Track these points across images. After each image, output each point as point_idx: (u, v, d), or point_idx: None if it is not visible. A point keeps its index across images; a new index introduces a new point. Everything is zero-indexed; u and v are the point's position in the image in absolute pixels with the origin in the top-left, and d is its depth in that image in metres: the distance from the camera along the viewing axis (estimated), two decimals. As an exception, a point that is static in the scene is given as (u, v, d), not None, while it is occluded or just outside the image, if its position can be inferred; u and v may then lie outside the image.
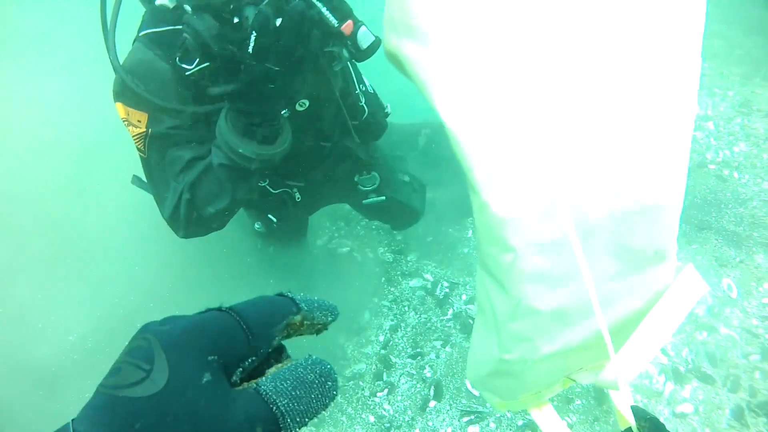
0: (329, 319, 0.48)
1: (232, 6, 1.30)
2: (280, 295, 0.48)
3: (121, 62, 1.44)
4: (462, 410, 2.16)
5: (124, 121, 1.50)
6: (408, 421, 2.17)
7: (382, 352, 2.43)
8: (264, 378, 0.41)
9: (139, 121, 1.47)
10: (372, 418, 2.22)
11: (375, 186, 2.13)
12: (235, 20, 1.32)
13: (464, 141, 0.74)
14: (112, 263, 2.74)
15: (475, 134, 0.73)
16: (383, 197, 2.16)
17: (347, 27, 1.47)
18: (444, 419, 2.15)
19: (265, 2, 1.28)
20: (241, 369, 0.41)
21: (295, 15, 1.21)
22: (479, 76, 0.71)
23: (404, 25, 0.77)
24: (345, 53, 1.60)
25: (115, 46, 1.41)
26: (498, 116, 0.72)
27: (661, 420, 0.81)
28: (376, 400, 2.27)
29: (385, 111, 2.01)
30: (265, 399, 0.39)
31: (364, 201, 2.17)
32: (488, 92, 0.71)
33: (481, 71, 0.71)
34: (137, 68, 1.44)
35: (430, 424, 2.15)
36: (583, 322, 0.87)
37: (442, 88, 0.74)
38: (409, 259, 2.79)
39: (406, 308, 2.57)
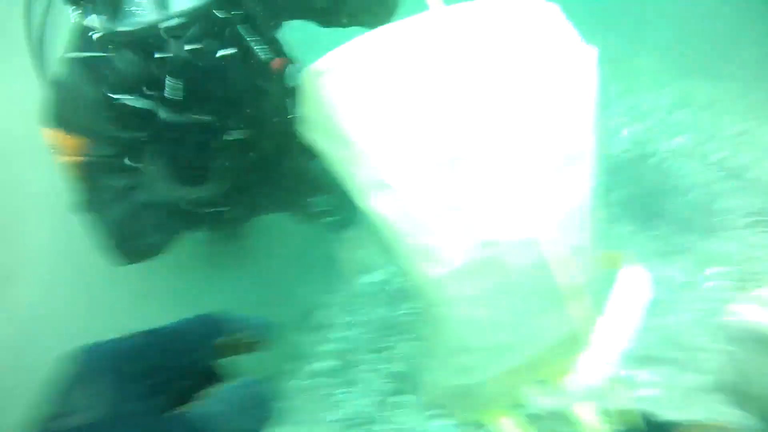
0: (260, 337, 0.47)
1: (152, 41, 1.23)
2: (206, 315, 0.46)
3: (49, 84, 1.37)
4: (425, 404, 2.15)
5: (51, 148, 1.42)
6: (370, 416, 2.15)
7: (341, 348, 2.40)
8: (195, 402, 0.40)
9: (68, 147, 1.40)
10: (333, 416, 2.19)
11: (328, 208, 2.15)
12: (156, 55, 1.26)
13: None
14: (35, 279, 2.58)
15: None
16: (338, 217, 2.20)
17: (276, 63, 1.49)
18: (408, 413, 2.14)
19: (185, 37, 1.22)
20: (170, 394, 0.39)
21: (214, 51, 1.19)
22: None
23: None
24: (272, 88, 1.59)
25: (44, 65, 1.34)
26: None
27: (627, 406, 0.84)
28: (337, 397, 2.24)
29: None
30: (196, 424, 0.37)
31: (321, 220, 2.22)
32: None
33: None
34: (67, 93, 1.37)
35: (393, 419, 2.14)
36: (520, 350, 1.01)
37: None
38: (362, 254, 2.76)
39: (363, 303, 2.55)
